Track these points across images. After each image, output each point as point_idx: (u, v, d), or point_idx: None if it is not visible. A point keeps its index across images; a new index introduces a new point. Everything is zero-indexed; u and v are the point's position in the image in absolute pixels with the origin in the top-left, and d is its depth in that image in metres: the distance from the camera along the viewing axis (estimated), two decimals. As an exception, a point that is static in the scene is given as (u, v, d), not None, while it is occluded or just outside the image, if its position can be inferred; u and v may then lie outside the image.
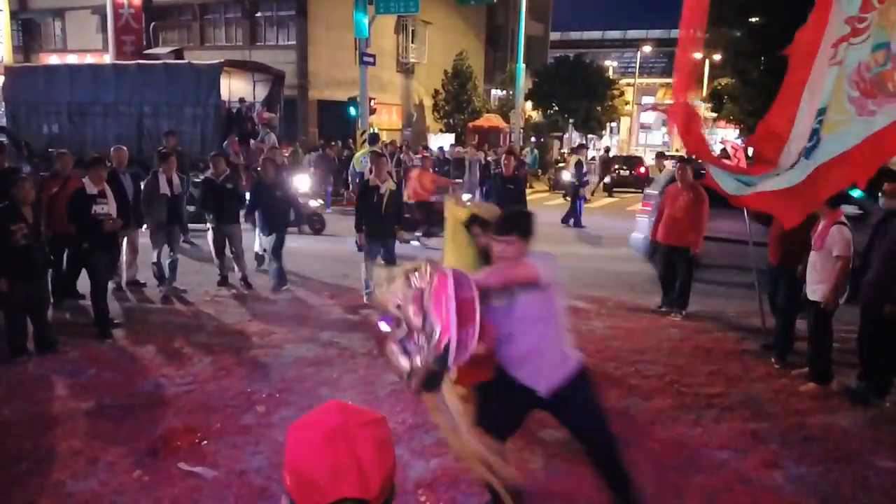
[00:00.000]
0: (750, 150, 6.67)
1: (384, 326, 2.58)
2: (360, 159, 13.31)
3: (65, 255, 7.42)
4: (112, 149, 8.52)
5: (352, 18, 19.70)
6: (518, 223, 3.20)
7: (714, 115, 28.52)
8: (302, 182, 12.99)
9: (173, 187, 8.14)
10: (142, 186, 8.26)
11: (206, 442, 4.58)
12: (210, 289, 8.60)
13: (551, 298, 3.17)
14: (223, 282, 8.70)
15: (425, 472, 4.22)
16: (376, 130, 19.85)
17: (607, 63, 40.00)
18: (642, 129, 46.75)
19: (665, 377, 5.99)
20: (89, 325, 6.83)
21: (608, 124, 36.08)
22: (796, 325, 6.45)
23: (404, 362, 2.54)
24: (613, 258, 11.72)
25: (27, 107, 18.64)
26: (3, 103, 19.76)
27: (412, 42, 30.31)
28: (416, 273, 2.57)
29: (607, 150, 25.40)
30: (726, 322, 7.79)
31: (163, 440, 4.56)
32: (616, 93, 32.45)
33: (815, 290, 5.70)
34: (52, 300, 6.77)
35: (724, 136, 32.18)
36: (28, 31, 30.05)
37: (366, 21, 19.36)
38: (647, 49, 43.86)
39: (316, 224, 13.03)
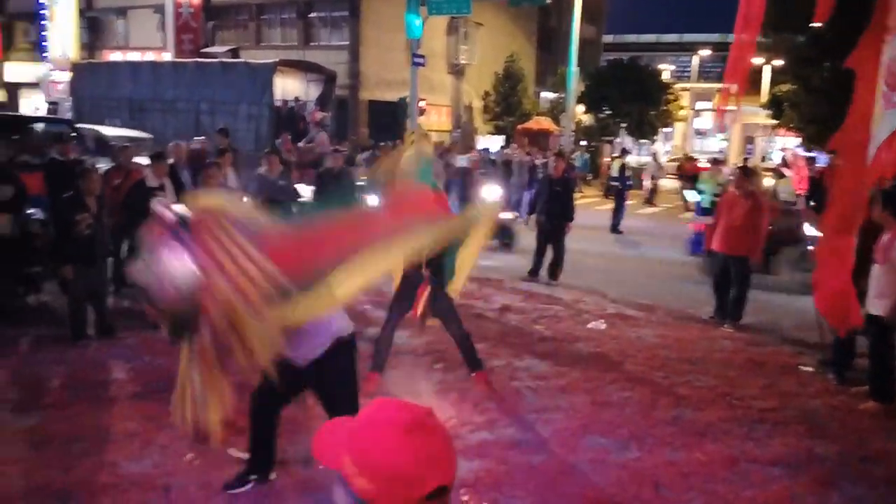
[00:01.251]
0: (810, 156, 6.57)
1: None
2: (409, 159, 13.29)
3: (123, 246, 7.63)
4: (171, 144, 8.74)
5: (404, 19, 19.82)
6: None
7: (774, 122, 27.73)
8: (492, 192, 11.28)
9: (229, 182, 8.30)
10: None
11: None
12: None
13: None
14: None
15: (468, 472, 4.21)
16: (413, 131, 19.94)
17: (662, 67, 39.39)
18: (697, 136, 45.83)
19: (716, 389, 5.86)
20: (146, 314, 7.00)
21: (662, 129, 35.52)
22: (857, 341, 6.25)
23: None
24: (664, 265, 11.54)
25: (91, 102, 19.26)
26: (70, 98, 20.47)
27: (463, 43, 30.33)
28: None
29: (689, 158, 24.05)
30: (782, 335, 7.58)
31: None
32: (671, 97, 31.91)
33: (877, 304, 5.51)
34: (111, 289, 6.97)
35: (784, 145, 31.37)
36: (93, 29, 30.99)
37: (417, 22, 19.46)
38: (704, 53, 43.03)
39: (504, 238, 11.55)
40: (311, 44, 26.57)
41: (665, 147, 39.26)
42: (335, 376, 3.58)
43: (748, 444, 4.86)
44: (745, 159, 20.83)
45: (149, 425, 4.66)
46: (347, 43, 25.72)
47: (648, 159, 24.59)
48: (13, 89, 29.63)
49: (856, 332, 6.05)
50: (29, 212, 7.06)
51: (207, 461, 4.21)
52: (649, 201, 21.66)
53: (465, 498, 3.96)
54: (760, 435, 4.99)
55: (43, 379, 5.44)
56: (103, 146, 12.05)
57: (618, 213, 15.18)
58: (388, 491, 1.17)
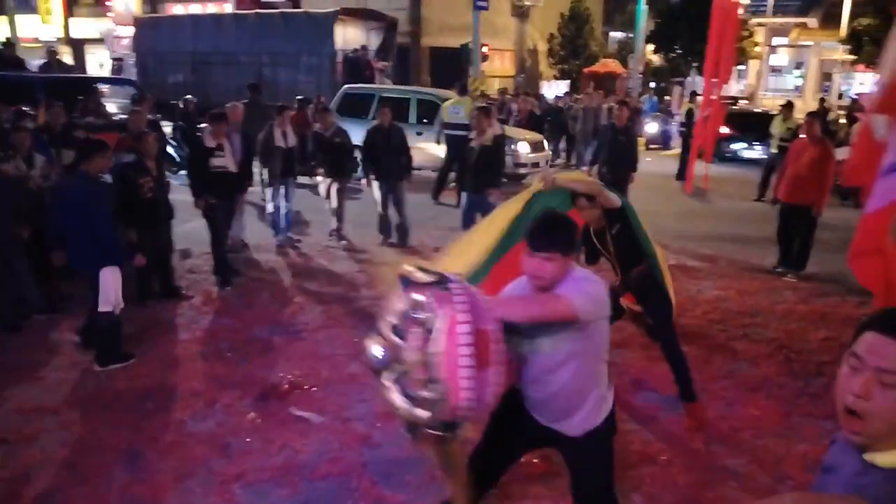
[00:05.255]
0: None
1: (377, 352, 2.10)
2: (450, 109, 12.58)
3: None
4: (228, 105, 8.75)
5: (466, -39, 19.34)
6: (560, 235, 2.50)
7: (852, 58, 26.16)
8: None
9: (288, 140, 8.39)
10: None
11: (314, 389, 4.82)
12: (322, 239, 8.85)
13: (590, 337, 2.51)
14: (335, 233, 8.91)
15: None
16: (476, 78, 19.44)
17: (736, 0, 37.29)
18: (772, 73, 43.56)
19: (774, 342, 5.78)
20: (209, 274, 7.20)
21: (735, 67, 33.88)
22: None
23: (403, 406, 2.08)
24: (728, 215, 11.20)
25: (155, 57, 19.42)
26: (135, 54, 20.71)
27: (528, -16, 29.47)
28: (423, 289, 2.05)
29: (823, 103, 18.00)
30: (847, 285, 7.20)
31: (274, 386, 4.84)
32: (745, 34, 30.33)
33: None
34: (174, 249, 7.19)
35: (861, 84, 29.47)
36: (154, -19, 31.11)
37: (480, -36, 18.94)
38: (781, -16, 40.52)
39: None
40: (372, -10, 26.22)
41: (738, 86, 37.49)
42: (594, 460, 2.79)
43: (802, 398, 4.81)
44: (822, 99, 19.60)
45: (212, 385, 4.88)
46: (408, -13, 25.29)
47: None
48: (79, 45, 29.70)
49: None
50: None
51: (268, 421, 4.39)
52: None
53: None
54: (816, 389, 4.91)
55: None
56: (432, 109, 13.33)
57: (684, 159, 14.66)
58: None
